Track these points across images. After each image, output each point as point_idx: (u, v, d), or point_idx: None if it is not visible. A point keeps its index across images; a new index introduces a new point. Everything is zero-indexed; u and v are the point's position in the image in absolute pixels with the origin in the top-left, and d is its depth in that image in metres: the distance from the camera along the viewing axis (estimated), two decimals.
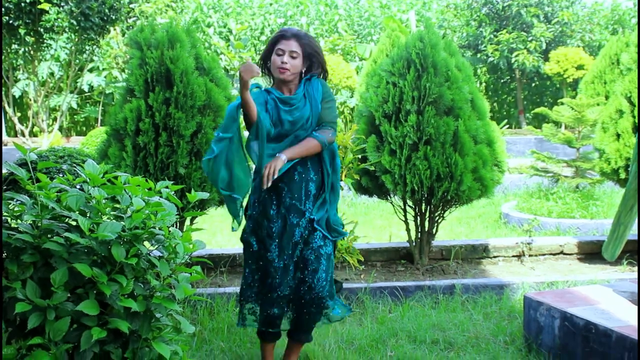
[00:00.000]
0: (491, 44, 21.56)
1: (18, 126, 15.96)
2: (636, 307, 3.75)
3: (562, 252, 6.38)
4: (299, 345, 3.79)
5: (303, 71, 3.60)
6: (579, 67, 18.96)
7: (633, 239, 6.07)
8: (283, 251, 3.53)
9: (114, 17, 13.55)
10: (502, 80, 24.83)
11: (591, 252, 6.34)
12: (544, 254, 6.36)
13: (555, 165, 9.58)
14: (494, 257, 6.27)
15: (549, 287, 5.19)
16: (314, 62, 3.60)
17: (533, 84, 24.65)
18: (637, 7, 20.92)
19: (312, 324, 3.69)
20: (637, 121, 6.27)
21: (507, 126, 20.58)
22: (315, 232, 3.57)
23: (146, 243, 2.40)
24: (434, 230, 5.81)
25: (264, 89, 3.62)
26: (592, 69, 13.91)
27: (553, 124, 9.91)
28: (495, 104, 25.60)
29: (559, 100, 10.34)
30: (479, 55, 22.61)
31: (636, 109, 6.30)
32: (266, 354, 3.74)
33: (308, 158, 3.57)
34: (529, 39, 20.99)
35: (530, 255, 6.28)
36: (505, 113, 25.70)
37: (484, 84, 25.54)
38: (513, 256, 6.29)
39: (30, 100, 17.03)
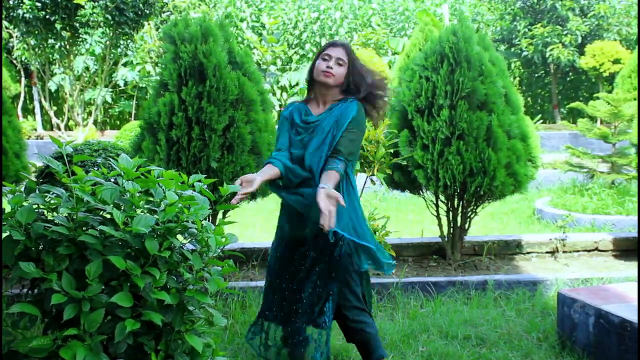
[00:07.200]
0: (525, 38, 21.34)
1: (54, 120, 16.20)
2: None
3: (597, 249, 6.29)
4: None
5: (343, 89, 3.38)
6: (616, 61, 18.66)
7: None
8: None
9: (148, 12, 13.68)
10: (536, 75, 24.57)
11: (627, 249, 6.25)
12: (578, 251, 6.28)
13: (590, 160, 9.46)
14: (527, 253, 6.21)
15: (583, 283, 5.13)
16: (356, 82, 3.36)
17: (568, 79, 24.35)
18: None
19: None
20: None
21: (542, 121, 20.35)
22: None
23: (179, 236, 2.42)
24: (467, 226, 5.78)
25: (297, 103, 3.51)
26: (629, 62, 13.68)
27: (588, 119, 9.79)
28: (529, 99, 25.35)
29: (594, 95, 10.21)
30: (513, 49, 22.40)
31: None
32: None
33: None
34: (564, 32, 20.72)
35: (564, 252, 6.20)
36: (539, 108, 25.42)
37: (518, 79, 25.29)
38: (546, 252, 6.23)
39: (65, 94, 17.24)
